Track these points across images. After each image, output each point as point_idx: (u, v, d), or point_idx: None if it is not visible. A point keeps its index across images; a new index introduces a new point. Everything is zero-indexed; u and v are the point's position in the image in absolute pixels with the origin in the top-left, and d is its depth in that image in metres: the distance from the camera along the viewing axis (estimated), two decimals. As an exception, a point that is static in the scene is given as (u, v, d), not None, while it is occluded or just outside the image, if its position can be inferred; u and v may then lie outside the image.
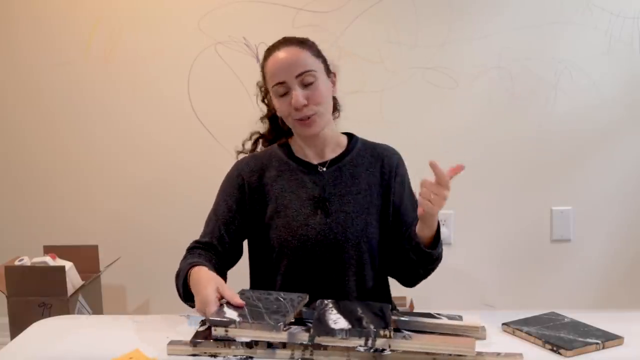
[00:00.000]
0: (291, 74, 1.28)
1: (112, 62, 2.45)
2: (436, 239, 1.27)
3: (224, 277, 1.37)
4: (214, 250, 1.35)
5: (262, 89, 1.42)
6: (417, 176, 1.46)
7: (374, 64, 2.42)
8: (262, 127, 1.48)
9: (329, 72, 1.36)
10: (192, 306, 1.20)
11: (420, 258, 1.29)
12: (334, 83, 1.37)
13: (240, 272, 1.46)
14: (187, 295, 1.24)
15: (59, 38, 2.45)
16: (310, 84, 1.29)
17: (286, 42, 1.33)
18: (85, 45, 2.45)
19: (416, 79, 2.43)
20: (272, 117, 1.45)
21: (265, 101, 1.44)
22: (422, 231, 1.26)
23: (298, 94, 1.27)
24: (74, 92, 2.48)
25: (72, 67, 2.45)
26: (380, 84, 2.43)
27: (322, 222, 1.32)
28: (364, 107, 2.40)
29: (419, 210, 1.20)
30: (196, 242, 1.37)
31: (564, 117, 2.44)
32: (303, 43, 1.33)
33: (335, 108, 1.44)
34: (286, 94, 1.29)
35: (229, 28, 2.41)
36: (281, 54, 1.30)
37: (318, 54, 1.34)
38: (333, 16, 2.39)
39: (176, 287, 1.29)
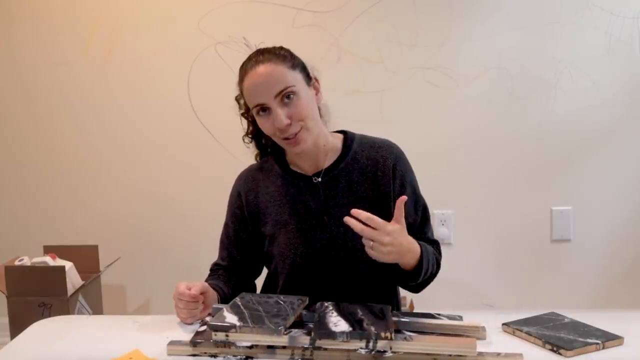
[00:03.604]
0: (269, 94, 1.22)
1: (112, 62, 2.45)
2: (418, 268, 1.22)
3: (253, 288, 1.45)
4: (232, 270, 1.40)
5: (242, 102, 1.36)
6: (422, 175, 1.46)
7: (374, 64, 2.42)
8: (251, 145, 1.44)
9: (309, 80, 1.29)
10: None
11: (405, 286, 1.30)
12: (317, 89, 1.32)
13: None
14: None
15: (58, 38, 2.44)
16: (291, 100, 1.23)
17: (259, 56, 1.25)
18: (84, 45, 2.44)
19: (416, 79, 2.43)
20: (255, 134, 1.41)
21: (247, 115, 1.38)
22: (402, 264, 1.22)
23: (279, 114, 1.21)
24: (74, 92, 2.47)
25: (71, 67, 2.45)
26: (380, 84, 2.43)
27: (322, 238, 1.30)
28: (364, 107, 2.40)
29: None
30: (216, 264, 1.43)
31: (564, 117, 2.44)
32: (277, 56, 1.25)
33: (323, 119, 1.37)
34: (267, 113, 1.24)
35: (229, 28, 2.41)
36: (256, 73, 1.23)
37: (294, 65, 1.26)
38: (333, 16, 2.39)
39: None
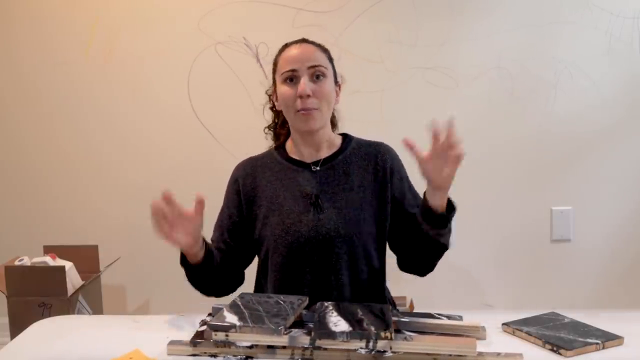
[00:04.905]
0: (304, 64, 1.32)
1: (112, 62, 2.45)
2: (450, 205, 1.26)
3: (242, 277, 1.45)
4: (223, 253, 1.40)
5: (273, 94, 1.43)
6: (416, 176, 1.47)
7: (374, 64, 2.42)
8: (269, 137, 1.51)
9: (336, 80, 1.40)
10: (198, 289, 1.35)
11: (436, 224, 1.26)
12: (337, 93, 1.40)
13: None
14: (190, 277, 1.33)
15: (58, 38, 2.44)
16: (320, 80, 1.33)
17: (305, 40, 1.39)
18: (84, 45, 2.45)
19: (416, 79, 2.43)
20: (282, 126, 1.47)
21: (275, 109, 1.46)
22: (436, 200, 1.24)
23: (306, 82, 1.31)
24: (74, 92, 2.47)
25: (71, 67, 2.45)
26: (380, 84, 2.43)
27: (314, 218, 1.33)
28: (364, 107, 2.40)
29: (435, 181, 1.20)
30: None
31: (564, 117, 2.44)
32: (321, 46, 1.39)
33: (333, 123, 1.46)
34: (294, 83, 1.33)
35: (229, 28, 2.41)
36: (299, 47, 1.36)
37: (331, 60, 1.39)
38: (333, 16, 2.39)
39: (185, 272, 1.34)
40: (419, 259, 1.36)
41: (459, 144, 1.19)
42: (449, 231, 1.31)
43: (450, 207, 1.27)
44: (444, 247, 1.32)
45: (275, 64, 1.39)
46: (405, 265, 1.40)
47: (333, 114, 1.44)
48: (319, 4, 2.39)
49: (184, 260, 1.29)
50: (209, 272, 1.32)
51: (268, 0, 2.40)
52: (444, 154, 1.19)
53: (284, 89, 1.34)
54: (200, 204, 1.22)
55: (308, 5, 2.39)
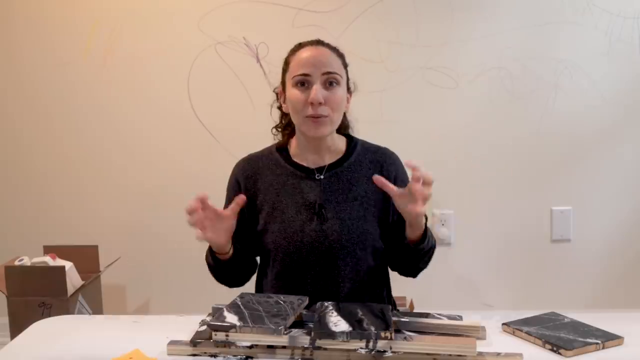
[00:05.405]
0: (318, 69, 1.28)
1: (111, 62, 2.45)
2: (424, 234, 1.26)
3: (255, 265, 1.44)
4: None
5: (282, 97, 1.38)
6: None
7: (374, 64, 2.42)
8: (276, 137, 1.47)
9: (348, 87, 1.36)
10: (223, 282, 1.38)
11: (415, 255, 1.30)
12: (348, 99, 1.37)
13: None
14: (217, 272, 1.36)
15: (58, 39, 2.44)
16: (333, 87, 1.29)
17: (320, 42, 1.34)
18: (84, 46, 2.45)
19: (416, 79, 2.43)
20: (287, 126, 1.44)
21: (283, 108, 1.41)
22: (413, 233, 1.25)
23: (318, 89, 1.27)
24: (74, 93, 2.47)
25: (71, 68, 2.45)
26: (380, 84, 2.43)
27: (317, 228, 1.31)
28: (364, 107, 2.39)
29: (415, 212, 1.17)
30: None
31: (564, 117, 2.44)
32: (336, 50, 1.35)
33: (344, 124, 1.43)
34: (306, 87, 1.29)
35: (229, 28, 2.41)
36: (313, 50, 1.31)
37: (345, 66, 1.35)
38: (333, 16, 2.39)
39: (208, 266, 1.36)
40: (404, 263, 1.37)
41: (428, 185, 1.15)
42: (431, 249, 1.33)
43: (425, 237, 1.26)
44: (428, 261, 1.35)
45: (286, 63, 1.34)
46: (394, 266, 1.42)
47: (344, 117, 1.40)
48: (319, 4, 2.39)
49: (213, 255, 1.30)
50: (235, 267, 1.34)
51: (268, 0, 2.40)
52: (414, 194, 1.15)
53: (294, 93, 1.29)
54: (237, 204, 1.23)
55: (308, 5, 2.39)
